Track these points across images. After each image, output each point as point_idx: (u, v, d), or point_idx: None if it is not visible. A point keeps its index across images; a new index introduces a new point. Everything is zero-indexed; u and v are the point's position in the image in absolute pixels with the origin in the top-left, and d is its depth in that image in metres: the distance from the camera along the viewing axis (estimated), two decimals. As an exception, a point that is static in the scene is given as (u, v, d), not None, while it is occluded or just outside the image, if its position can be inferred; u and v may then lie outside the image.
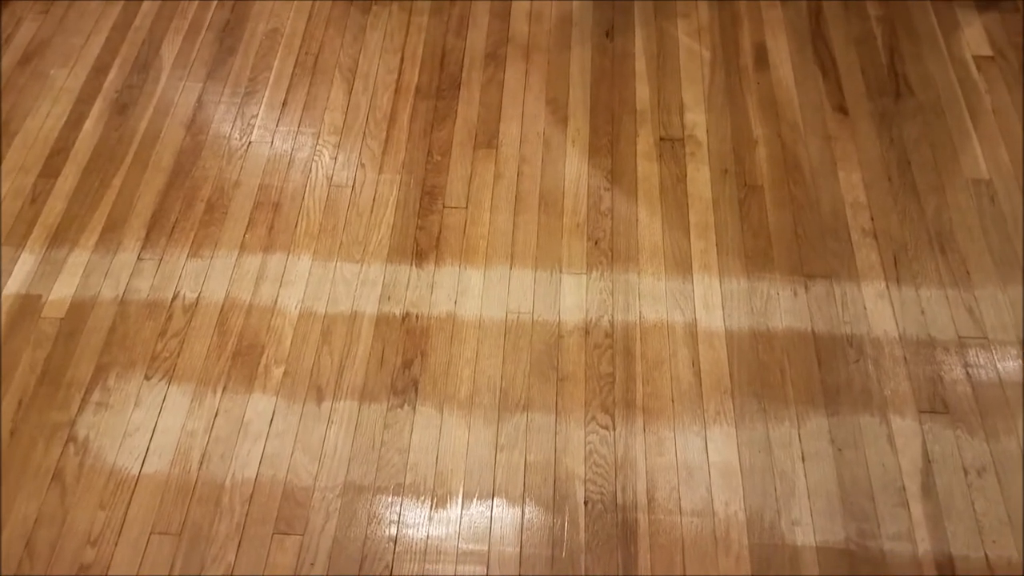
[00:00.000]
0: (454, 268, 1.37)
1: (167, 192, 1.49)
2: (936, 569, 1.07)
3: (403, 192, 1.48)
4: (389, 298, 1.34)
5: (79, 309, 1.34)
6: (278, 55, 1.70)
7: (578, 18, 1.76)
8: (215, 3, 1.80)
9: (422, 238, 1.42)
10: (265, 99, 1.63)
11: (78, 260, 1.40)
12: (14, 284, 1.37)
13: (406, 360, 1.27)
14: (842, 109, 1.57)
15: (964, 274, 1.34)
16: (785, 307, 1.31)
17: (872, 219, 1.41)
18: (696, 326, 1.29)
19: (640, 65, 1.67)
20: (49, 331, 1.31)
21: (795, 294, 1.32)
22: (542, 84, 1.64)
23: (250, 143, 1.56)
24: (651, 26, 1.74)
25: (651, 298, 1.32)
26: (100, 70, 1.69)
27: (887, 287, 1.33)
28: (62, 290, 1.36)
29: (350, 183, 1.49)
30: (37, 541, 1.11)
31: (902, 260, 1.36)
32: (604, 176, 1.49)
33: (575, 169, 1.51)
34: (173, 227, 1.44)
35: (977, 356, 1.25)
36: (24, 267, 1.39)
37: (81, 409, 1.23)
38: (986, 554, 1.08)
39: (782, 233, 1.40)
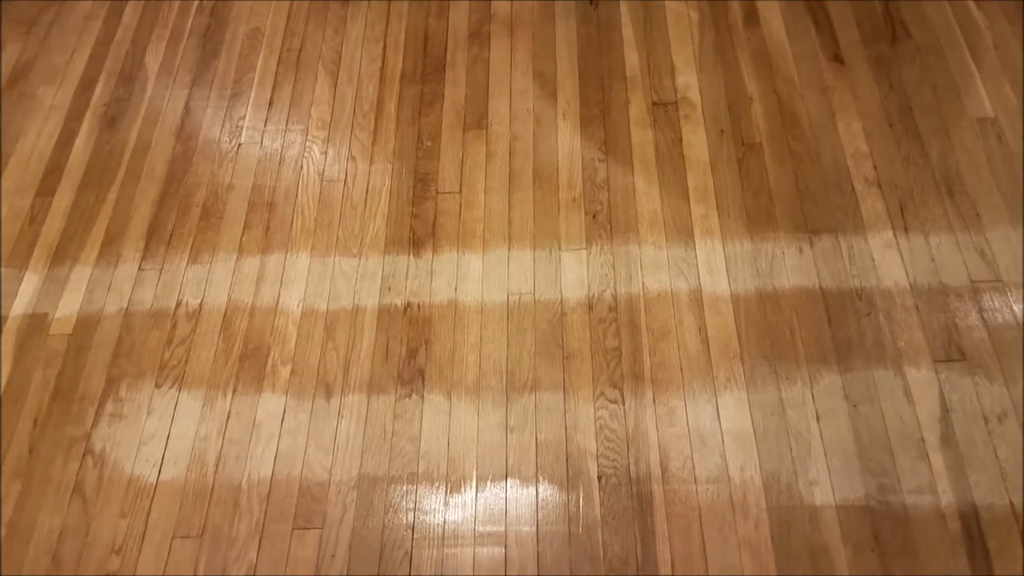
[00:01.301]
0: (452, 254, 1.36)
1: (162, 201, 1.49)
2: (960, 520, 1.06)
3: (396, 181, 1.47)
4: (389, 289, 1.33)
5: (86, 324, 1.35)
6: (261, 54, 1.69)
7: (561, -12, 1.72)
8: (195, 9, 1.79)
9: (418, 226, 1.41)
10: (251, 100, 1.62)
11: (81, 276, 1.41)
12: (20, 304, 1.38)
13: (411, 350, 1.27)
14: (837, 58, 1.52)
15: (974, 216, 1.30)
16: (791, 265, 1.28)
17: (875, 168, 1.37)
18: (701, 292, 1.27)
19: (627, 31, 1.64)
20: (58, 348, 1.32)
21: (800, 251, 1.29)
22: (528, 59, 1.61)
23: (240, 145, 1.56)
24: (636, -10, 1.70)
25: (653, 268, 1.30)
26: (87, 85, 1.68)
27: (895, 236, 1.30)
28: (68, 307, 1.37)
29: (342, 177, 1.48)
30: (63, 554, 1.13)
31: (909, 207, 1.32)
32: (598, 147, 1.47)
33: (568, 143, 1.48)
34: (171, 235, 1.44)
35: (992, 300, 1.22)
36: (29, 287, 1.40)
37: (95, 422, 1.24)
38: (1011, 501, 1.06)
39: (783, 190, 1.37)
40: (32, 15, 1.84)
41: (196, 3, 1.80)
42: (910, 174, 1.36)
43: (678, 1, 1.67)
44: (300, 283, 1.36)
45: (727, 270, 1.28)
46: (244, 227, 1.44)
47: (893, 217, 1.32)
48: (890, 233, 1.30)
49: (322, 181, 1.48)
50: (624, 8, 1.67)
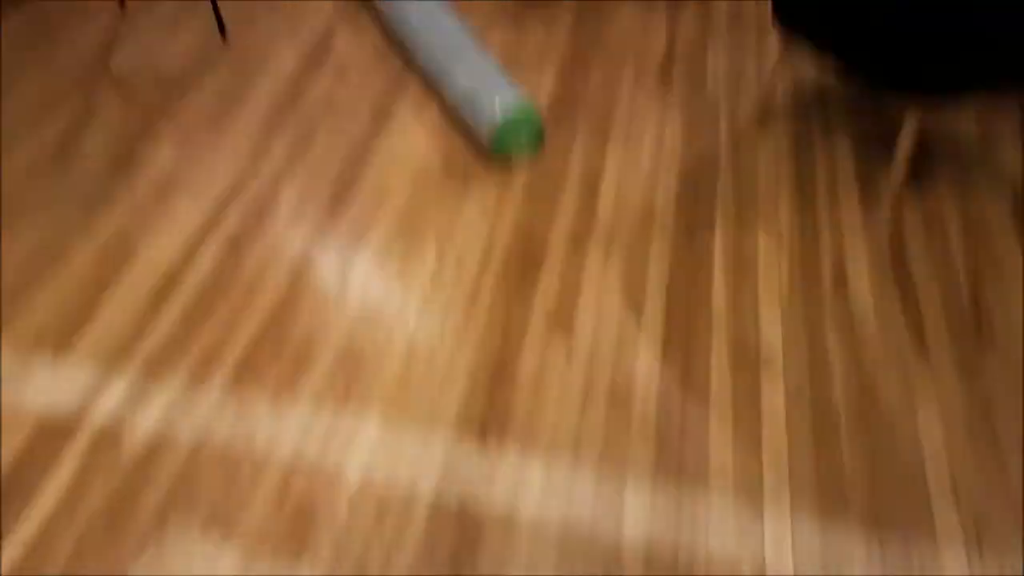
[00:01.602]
0: (517, 456, 1.37)
1: (261, 337, 1.57)
2: None
3: (477, 365, 1.52)
4: (448, 480, 1.34)
5: (157, 447, 1.38)
6: (383, 214, 1.84)
7: (661, 211, 1.86)
8: (332, 158, 1.99)
9: (490, 417, 1.44)
10: (365, 255, 1.75)
11: (166, 393, 1.46)
12: (103, 407, 1.43)
13: (455, 556, 1.24)
14: (923, 346, 1.57)
15: (1056, 562, 1.25)
16: (859, 566, 1.24)
17: (951, 475, 1.36)
18: (765, 573, 1.23)
19: (718, 267, 1.73)
20: (126, 466, 1.35)
21: (870, 555, 1.26)
22: (621, 275, 1.71)
23: (344, 298, 1.66)
24: (732, 227, 1.82)
25: (719, 529, 1.28)
26: (221, 207, 1.85)
27: (967, 558, 1.25)
28: (145, 423, 1.41)
29: (429, 348, 1.55)
30: None
31: (984, 529, 1.29)
32: (675, 379, 1.51)
33: (647, 367, 1.53)
34: (260, 373, 1.51)
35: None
36: (116, 392, 1.46)
37: (135, 559, 1.23)
38: None
39: (857, 473, 1.36)
40: (194, 124, 2.07)
41: (335, 152, 2.01)
42: (987, 491, 1.34)
43: (771, 245, 1.77)
44: (365, 451, 1.38)
45: (793, 555, 1.25)
46: (328, 381, 1.49)
47: (967, 535, 1.28)
48: (963, 552, 1.26)
49: (409, 350, 1.55)
50: (718, 243, 1.78)
